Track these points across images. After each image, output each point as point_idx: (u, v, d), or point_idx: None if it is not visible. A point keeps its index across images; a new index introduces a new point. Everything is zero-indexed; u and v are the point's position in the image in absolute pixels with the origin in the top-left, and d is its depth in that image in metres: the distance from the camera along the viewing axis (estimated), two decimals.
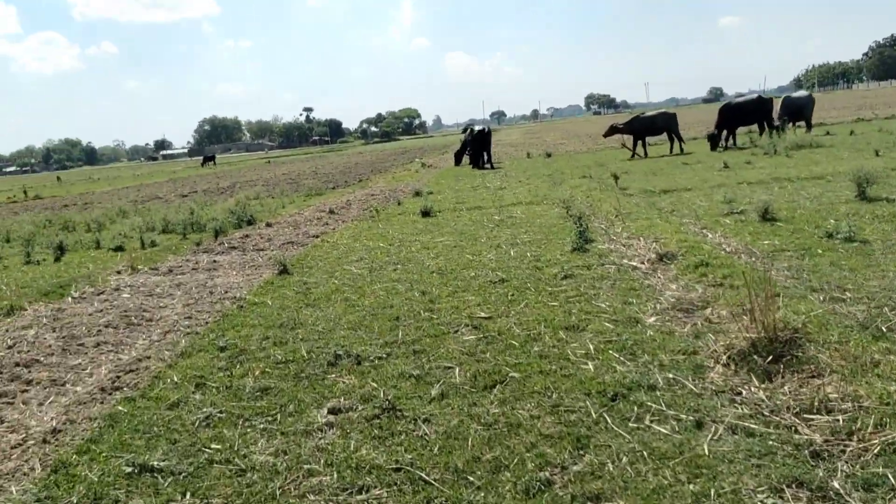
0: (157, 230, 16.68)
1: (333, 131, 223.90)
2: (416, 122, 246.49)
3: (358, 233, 13.42)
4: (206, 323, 7.59)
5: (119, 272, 11.21)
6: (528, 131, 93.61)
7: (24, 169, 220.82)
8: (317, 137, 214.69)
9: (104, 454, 4.49)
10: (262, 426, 4.73)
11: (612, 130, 26.40)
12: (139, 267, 11.43)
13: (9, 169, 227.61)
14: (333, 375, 5.57)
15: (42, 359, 6.67)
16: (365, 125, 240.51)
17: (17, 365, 6.50)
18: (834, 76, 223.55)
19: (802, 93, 28.51)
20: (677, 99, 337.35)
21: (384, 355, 5.91)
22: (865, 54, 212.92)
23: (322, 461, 4.15)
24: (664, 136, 26.46)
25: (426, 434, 4.33)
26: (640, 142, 25.70)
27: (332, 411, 4.87)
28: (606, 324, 6.08)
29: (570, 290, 7.39)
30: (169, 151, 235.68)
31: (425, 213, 14.82)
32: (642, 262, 8.24)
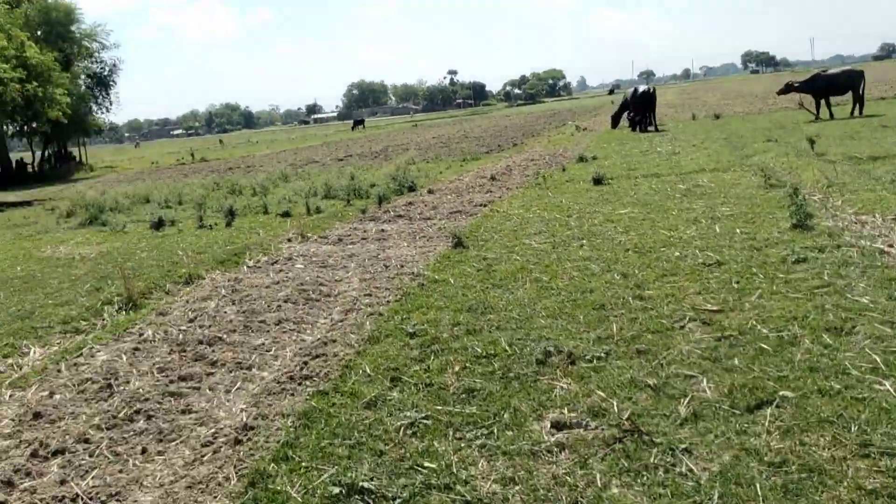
0: (320, 195, 16.56)
1: (477, 94, 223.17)
2: (561, 83, 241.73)
3: (527, 202, 12.58)
4: (388, 302, 7.01)
5: (289, 240, 10.97)
6: (681, 91, 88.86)
7: (189, 132, 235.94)
8: (460, 100, 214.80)
9: (304, 465, 3.92)
10: (478, 441, 4.01)
11: (788, 88, 23.94)
12: (308, 234, 11.16)
13: (175, 132, 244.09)
14: (547, 378, 4.79)
15: (224, 336, 6.32)
16: (508, 87, 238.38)
17: (201, 342, 6.17)
18: None
19: None
20: (843, 56, 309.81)
21: (601, 354, 5.06)
22: None
23: (565, 499, 3.37)
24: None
25: (693, 473, 3.44)
26: (821, 103, 23.20)
27: (556, 426, 4.09)
28: (880, 326, 4.92)
29: (809, 278, 6.21)
30: (319, 115, 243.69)
31: (597, 181, 13.75)
32: (891, 246, 6.89)
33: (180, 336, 6.35)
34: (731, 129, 23.18)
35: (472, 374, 4.95)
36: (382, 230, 11.13)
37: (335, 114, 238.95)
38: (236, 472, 3.92)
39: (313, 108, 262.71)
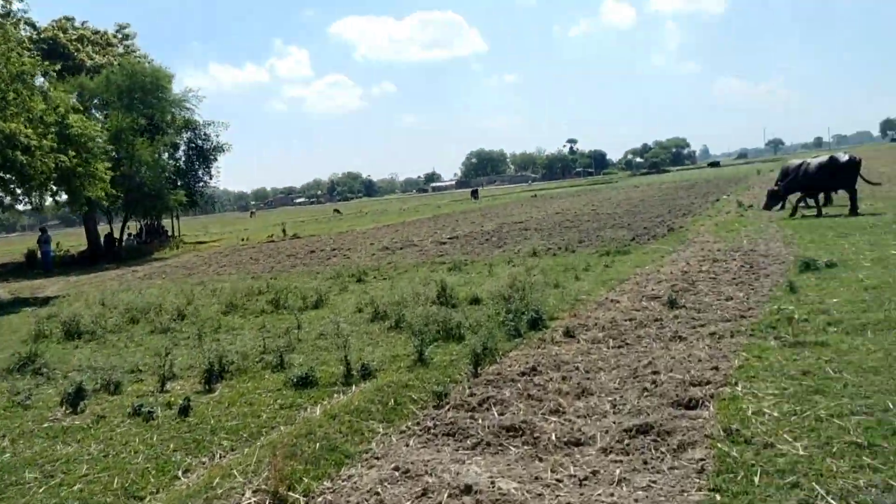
0: (387, 323, 10.36)
1: (597, 163, 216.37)
2: (685, 151, 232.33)
3: (790, 382, 5.80)
4: None
5: None
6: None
7: (311, 200, 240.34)
8: (580, 169, 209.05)
9: None
10: None
11: None
12: (288, 495, 4.75)
13: (298, 200, 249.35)
14: None
15: None
16: (630, 156, 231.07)
17: None
18: None
19: None
20: None
21: None
22: None
23: None
24: None
25: None
26: None
27: None
28: None
29: None
30: (438, 184, 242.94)
31: None
32: None
33: None
34: None
35: None
36: (468, 491, 4.57)
37: (453, 182, 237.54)
38: None
39: (432, 177, 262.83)
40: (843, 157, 20.27)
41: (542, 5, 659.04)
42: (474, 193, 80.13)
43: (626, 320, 9.23)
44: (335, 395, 7.05)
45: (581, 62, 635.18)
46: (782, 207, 22.48)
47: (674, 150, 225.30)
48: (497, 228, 29.05)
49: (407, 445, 5.52)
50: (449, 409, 6.20)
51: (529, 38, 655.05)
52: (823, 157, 20.83)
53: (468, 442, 5.44)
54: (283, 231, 39.67)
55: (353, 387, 7.25)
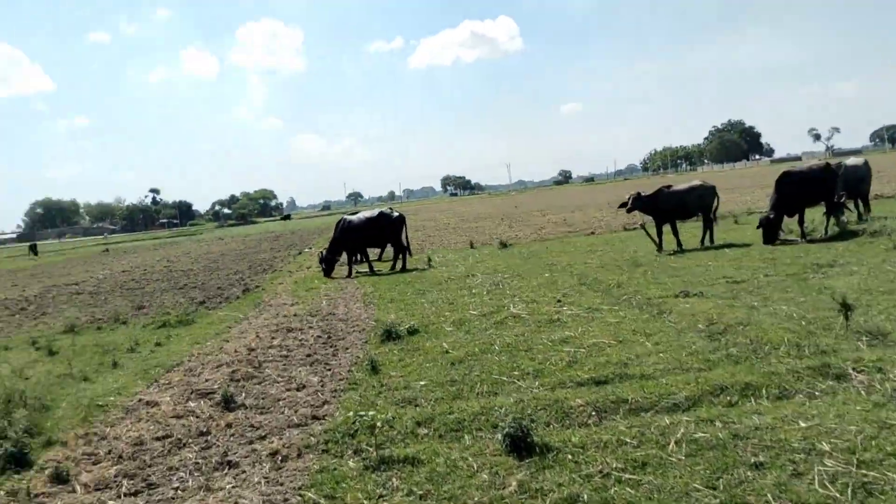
0: None
1: (183, 214, 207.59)
2: (273, 203, 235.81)
3: None
4: None
5: None
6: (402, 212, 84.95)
7: None
8: (164, 220, 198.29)
9: None
10: None
11: (637, 203, 17.59)
12: None
13: None
14: None
15: None
16: (217, 207, 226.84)
17: None
18: (677, 159, 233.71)
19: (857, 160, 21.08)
20: (525, 181, 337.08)
21: None
22: (706, 138, 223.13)
23: None
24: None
25: None
26: (664, 227, 17.45)
27: None
28: None
29: None
30: None
31: (518, 444, 5.30)
32: None
33: None
34: (557, 262, 16.20)
35: None
36: None
37: (14, 235, 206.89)
38: None
39: None
40: (394, 214, 20.06)
41: (116, 45, 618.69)
42: (33, 248, 68.85)
43: (158, 438, 6.50)
44: None
45: (162, 109, 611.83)
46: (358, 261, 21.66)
47: (261, 201, 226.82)
48: (42, 293, 23.82)
49: None
50: None
51: (103, 80, 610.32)
52: (372, 213, 20.42)
53: None
54: None
55: None
